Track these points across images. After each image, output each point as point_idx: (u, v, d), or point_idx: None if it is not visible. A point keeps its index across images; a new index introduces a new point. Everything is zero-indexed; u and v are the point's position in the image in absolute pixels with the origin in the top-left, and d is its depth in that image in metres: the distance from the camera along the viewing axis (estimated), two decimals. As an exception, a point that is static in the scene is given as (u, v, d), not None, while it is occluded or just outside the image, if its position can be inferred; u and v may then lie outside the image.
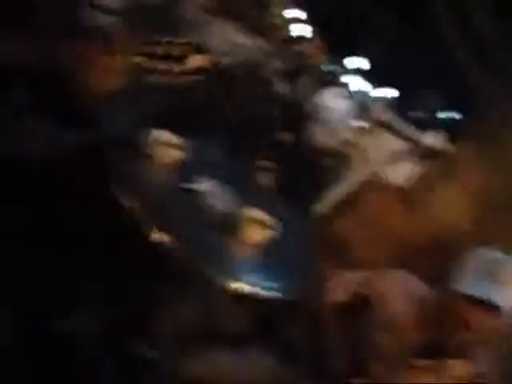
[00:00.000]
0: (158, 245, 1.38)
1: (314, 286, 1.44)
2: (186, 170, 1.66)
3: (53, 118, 1.42)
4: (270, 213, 1.61)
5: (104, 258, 1.49)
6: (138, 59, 1.13)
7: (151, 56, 1.13)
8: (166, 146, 1.66)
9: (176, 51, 1.13)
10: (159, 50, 1.14)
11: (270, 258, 1.57)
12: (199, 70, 1.16)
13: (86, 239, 1.48)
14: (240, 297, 1.48)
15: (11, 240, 1.35)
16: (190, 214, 1.54)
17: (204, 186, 1.62)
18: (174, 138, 1.71)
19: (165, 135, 1.69)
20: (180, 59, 1.13)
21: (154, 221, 1.40)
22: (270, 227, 1.55)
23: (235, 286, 1.40)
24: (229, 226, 1.54)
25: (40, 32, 1.14)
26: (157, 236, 1.38)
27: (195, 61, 1.16)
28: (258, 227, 1.53)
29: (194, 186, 1.60)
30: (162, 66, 1.15)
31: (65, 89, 1.27)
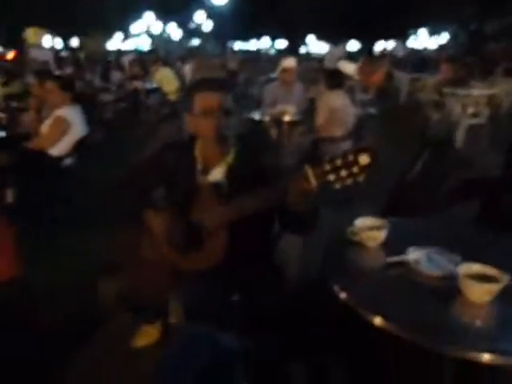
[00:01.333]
0: (382, 331, 1.34)
1: None
2: (393, 246, 1.64)
3: None
4: (500, 264, 1.38)
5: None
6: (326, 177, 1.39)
7: (334, 169, 1.38)
8: (371, 229, 1.69)
9: (351, 157, 1.35)
10: (338, 162, 1.36)
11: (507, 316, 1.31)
12: (366, 167, 1.35)
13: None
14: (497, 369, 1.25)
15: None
16: (405, 289, 1.47)
17: (413, 255, 1.54)
18: (376, 221, 1.73)
19: (368, 220, 1.74)
20: (355, 163, 1.36)
21: (372, 306, 1.39)
22: (499, 280, 1.32)
23: (487, 357, 1.20)
24: (449, 289, 1.39)
25: None
26: (378, 321, 1.35)
27: (363, 160, 1.35)
28: (482, 284, 1.32)
29: (401, 258, 1.55)
30: (343, 173, 1.37)
31: None
